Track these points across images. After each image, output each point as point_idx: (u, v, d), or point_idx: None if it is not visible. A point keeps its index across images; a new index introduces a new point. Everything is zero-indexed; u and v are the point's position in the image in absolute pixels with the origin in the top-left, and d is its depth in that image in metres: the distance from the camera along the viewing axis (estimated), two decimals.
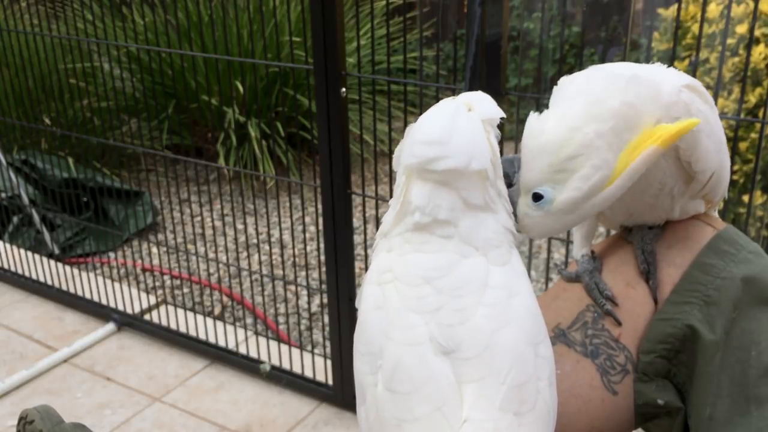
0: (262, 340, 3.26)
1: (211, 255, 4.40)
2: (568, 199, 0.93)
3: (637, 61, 1.02)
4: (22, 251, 4.02)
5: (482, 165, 0.85)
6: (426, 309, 0.81)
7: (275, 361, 3.16)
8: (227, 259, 4.36)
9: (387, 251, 0.88)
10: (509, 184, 0.96)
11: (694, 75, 2.41)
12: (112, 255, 4.37)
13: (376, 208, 2.80)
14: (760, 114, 2.25)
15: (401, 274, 0.84)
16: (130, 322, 3.58)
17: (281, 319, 3.80)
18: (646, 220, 1.09)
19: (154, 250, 4.38)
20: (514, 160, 0.97)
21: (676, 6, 2.10)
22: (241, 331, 3.45)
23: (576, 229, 1.16)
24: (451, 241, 0.84)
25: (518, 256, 0.90)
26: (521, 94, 2.28)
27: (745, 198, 3.16)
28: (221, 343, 3.31)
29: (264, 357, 3.19)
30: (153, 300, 3.73)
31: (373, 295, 0.86)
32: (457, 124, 0.87)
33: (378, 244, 0.92)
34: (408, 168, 0.87)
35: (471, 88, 2.21)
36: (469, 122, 0.87)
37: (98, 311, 3.67)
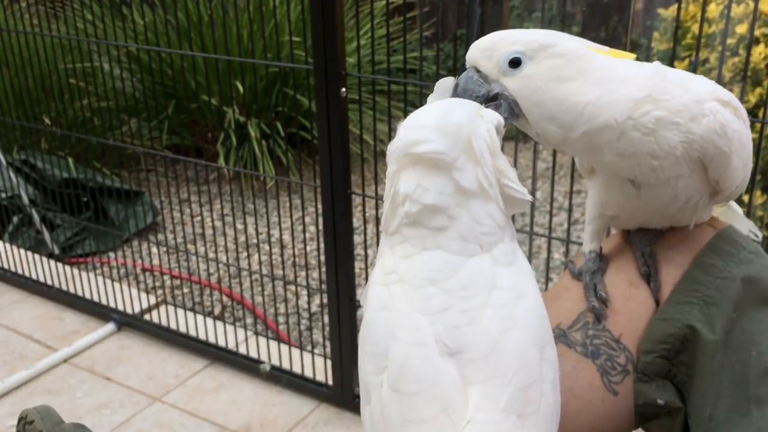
0: (262, 340, 3.26)
1: (211, 255, 4.40)
2: (538, 40, 0.95)
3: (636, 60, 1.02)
4: (22, 251, 4.02)
5: (470, 146, 0.83)
6: (432, 310, 0.81)
7: (275, 361, 3.16)
8: (227, 259, 4.36)
9: (389, 248, 0.88)
10: (492, 96, 0.97)
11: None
12: (112, 255, 4.37)
13: (376, 208, 2.80)
14: (760, 114, 2.25)
15: (406, 275, 0.84)
16: (130, 322, 3.58)
17: (281, 319, 3.80)
18: (660, 226, 1.09)
19: (154, 250, 4.38)
20: (468, 79, 0.97)
21: (676, 6, 2.10)
22: (241, 331, 3.45)
23: (588, 223, 1.15)
24: (450, 239, 0.83)
25: (523, 255, 0.89)
26: None
27: (745, 198, 3.16)
28: (221, 343, 3.31)
29: (264, 357, 3.19)
30: (153, 300, 3.72)
31: (378, 296, 0.86)
32: (448, 111, 0.86)
33: (381, 242, 0.91)
34: (392, 153, 0.86)
35: None
36: (463, 108, 0.87)
37: (98, 311, 3.66)
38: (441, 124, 0.84)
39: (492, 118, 0.88)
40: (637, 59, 1.01)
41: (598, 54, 0.97)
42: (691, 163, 0.98)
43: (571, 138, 0.96)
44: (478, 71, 0.97)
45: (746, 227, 1.17)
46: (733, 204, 1.20)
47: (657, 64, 0.99)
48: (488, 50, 0.96)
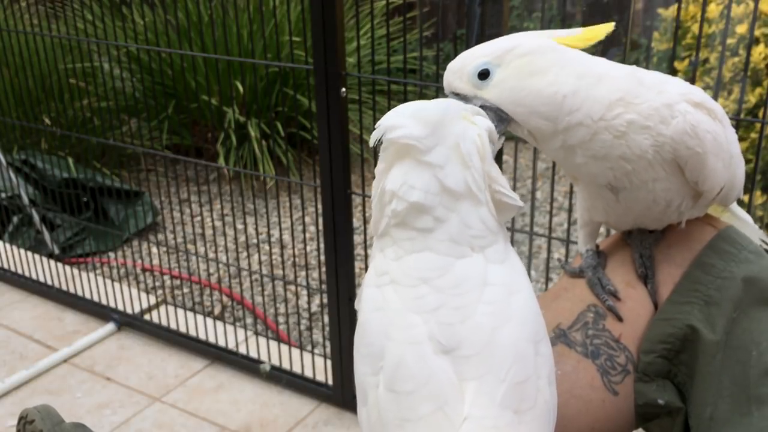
0: (262, 340, 3.26)
1: (211, 255, 4.40)
2: (502, 46, 0.96)
3: (636, 61, 1.02)
4: (22, 251, 4.02)
5: (449, 141, 0.83)
6: (425, 308, 0.81)
7: (275, 361, 3.16)
8: (227, 259, 4.36)
9: (380, 251, 0.88)
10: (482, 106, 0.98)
11: (694, 75, 2.41)
12: (112, 255, 4.37)
13: None
14: (760, 114, 2.25)
15: (398, 275, 0.84)
16: (130, 322, 3.57)
17: (281, 319, 3.79)
18: (651, 227, 1.09)
19: (154, 250, 4.38)
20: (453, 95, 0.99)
21: (676, 6, 2.10)
22: (241, 331, 3.45)
23: (580, 227, 1.15)
24: (440, 241, 0.83)
25: (515, 253, 0.89)
26: None
27: (745, 198, 3.16)
28: (221, 343, 3.31)
29: (264, 357, 3.19)
30: (153, 300, 3.72)
31: (372, 297, 0.86)
32: (424, 104, 0.87)
33: (373, 245, 0.91)
34: (373, 140, 0.86)
35: None
36: (440, 102, 0.88)
37: (98, 311, 3.66)
38: (416, 114, 0.85)
39: (484, 124, 0.88)
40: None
41: (568, 49, 0.99)
42: (666, 165, 0.98)
43: (558, 130, 0.97)
44: (457, 94, 0.99)
45: (757, 236, 1.16)
46: (742, 213, 1.19)
47: (633, 67, 1.00)
48: (458, 71, 0.98)
